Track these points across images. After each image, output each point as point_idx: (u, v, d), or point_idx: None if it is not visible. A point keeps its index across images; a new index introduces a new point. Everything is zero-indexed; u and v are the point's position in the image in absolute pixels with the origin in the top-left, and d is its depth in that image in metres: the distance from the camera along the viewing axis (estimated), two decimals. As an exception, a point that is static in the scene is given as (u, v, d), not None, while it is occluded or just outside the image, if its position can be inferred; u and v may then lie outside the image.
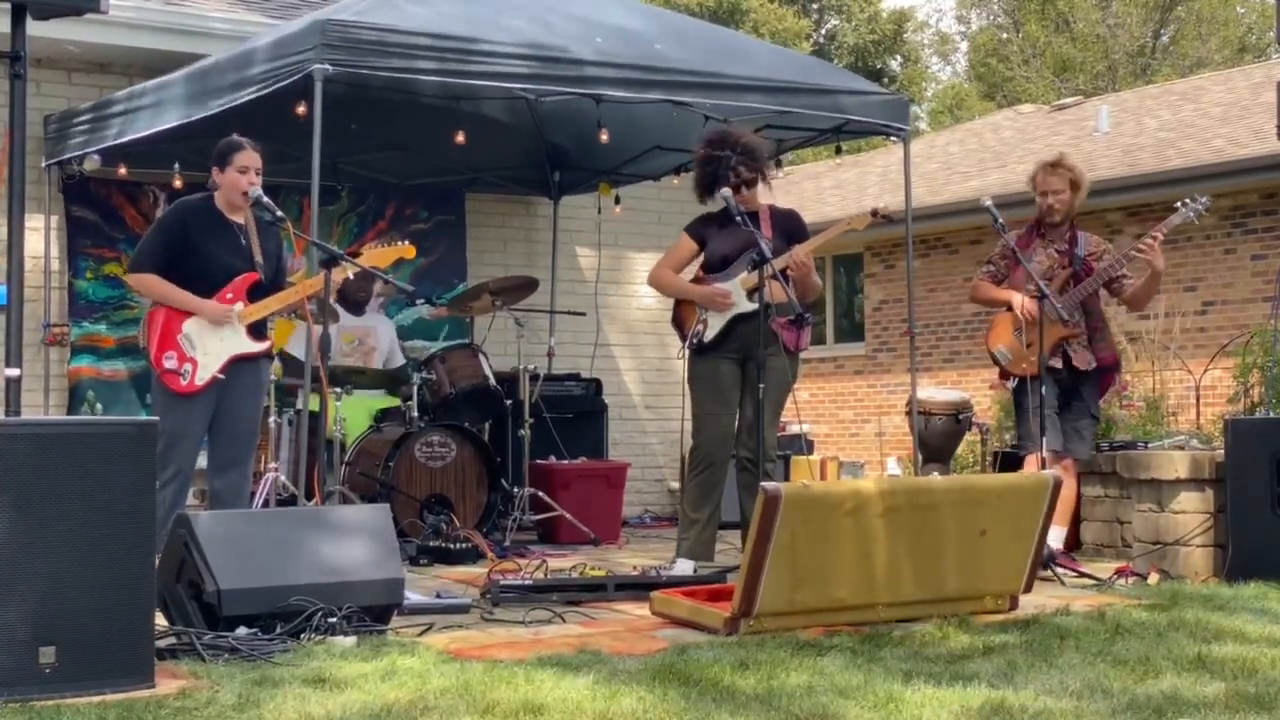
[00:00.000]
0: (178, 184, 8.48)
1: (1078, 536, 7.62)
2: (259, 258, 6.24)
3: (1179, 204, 6.95)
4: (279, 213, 6.25)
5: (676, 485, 10.15)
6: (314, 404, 6.84)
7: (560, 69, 6.95)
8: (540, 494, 8.33)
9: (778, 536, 4.85)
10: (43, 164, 8.47)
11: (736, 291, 6.56)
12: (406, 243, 6.66)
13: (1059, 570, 6.50)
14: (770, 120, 8.05)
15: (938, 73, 40.49)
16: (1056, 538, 6.83)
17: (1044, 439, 6.68)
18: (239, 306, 6.14)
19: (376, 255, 6.47)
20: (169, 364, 6.02)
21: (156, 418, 5.82)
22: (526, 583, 5.86)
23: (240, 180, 6.14)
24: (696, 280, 6.75)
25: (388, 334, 8.88)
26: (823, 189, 19.00)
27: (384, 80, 6.90)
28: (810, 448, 11.68)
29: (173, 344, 6.03)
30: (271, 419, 7.72)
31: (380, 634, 4.82)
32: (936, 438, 9.38)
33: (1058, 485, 5.55)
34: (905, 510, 5.19)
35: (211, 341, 6.08)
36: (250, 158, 6.17)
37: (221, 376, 6.08)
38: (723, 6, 32.16)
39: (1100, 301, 7.11)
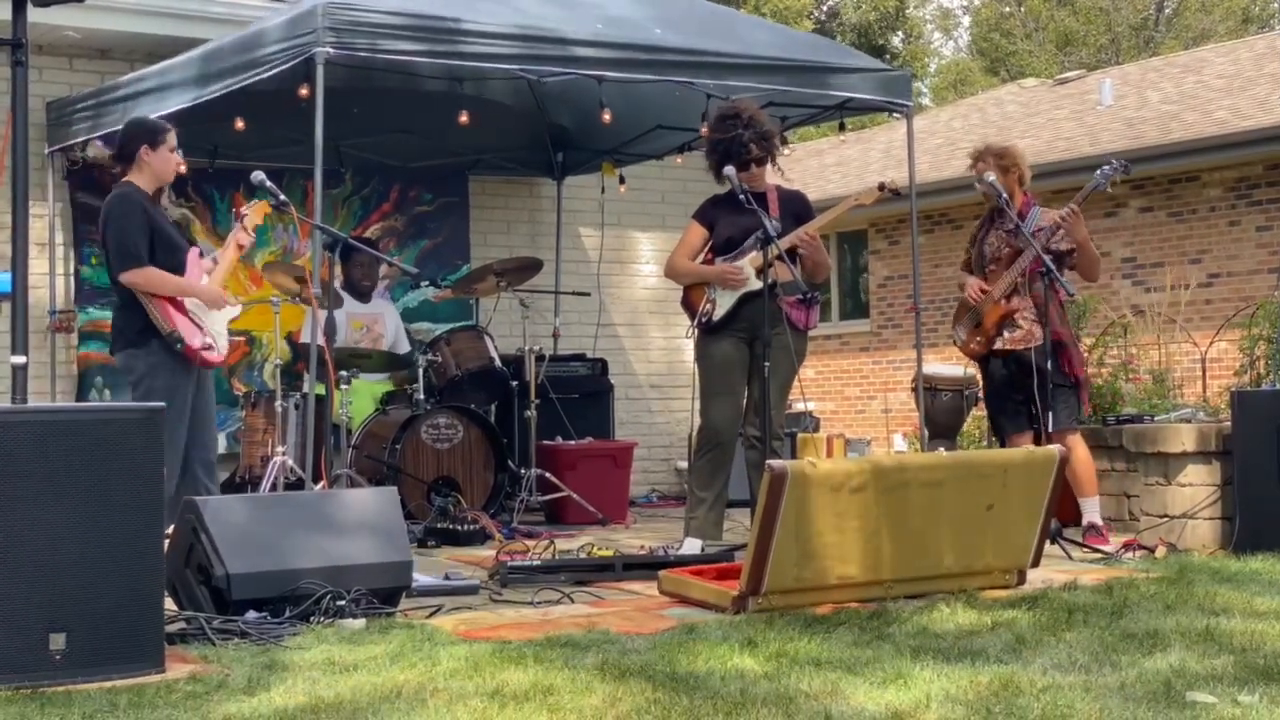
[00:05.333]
0: (181, 169, 8.44)
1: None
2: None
3: (1098, 170, 6.94)
4: (282, 196, 6.25)
5: (683, 464, 10.15)
6: (320, 388, 6.85)
7: (560, 49, 6.94)
8: (547, 475, 8.33)
9: (784, 515, 4.85)
10: (45, 151, 8.47)
11: (747, 271, 6.54)
12: (257, 201, 6.54)
13: (1095, 546, 6.55)
14: (773, 98, 8.03)
15: (940, 48, 40.40)
16: (1094, 510, 6.86)
17: (1006, 420, 6.85)
18: (205, 278, 6.24)
19: (251, 210, 6.43)
20: (197, 342, 6.06)
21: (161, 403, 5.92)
22: (534, 563, 5.87)
23: (173, 160, 6.19)
24: (706, 263, 6.74)
25: (393, 320, 8.89)
26: (825, 165, 18.97)
27: (386, 63, 6.89)
28: (816, 425, 11.69)
29: (192, 323, 6.08)
30: (278, 403, 7.73)
31: (389, 616, 4.83)
32: (943, 414, 9.38)
33: (1064, 460, 5.55)
34: (912, 486, 5.19)
35: (210, 314, 6.18)
36: (174, 138, 6.21)
37: (236, 339, 6.21)
38: (724, -16, 32.04)
39: (1044, 280, 6.92)
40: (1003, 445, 6.99)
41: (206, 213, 9.02)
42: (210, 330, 6.14)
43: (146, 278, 6.03)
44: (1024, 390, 6.89)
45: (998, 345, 6.96)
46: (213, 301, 6.15)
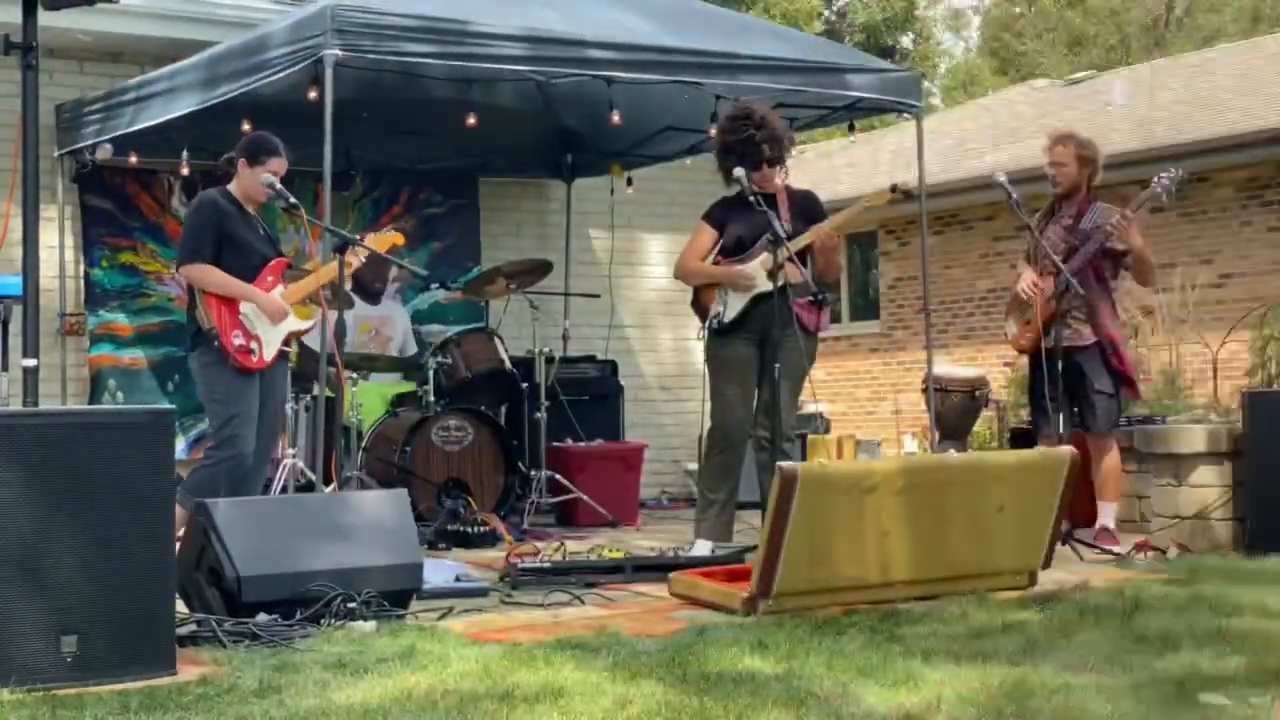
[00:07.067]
0: (184, 171, 8.48)
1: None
2: (279, 243, 6.43)
3: (1154, 179, 6.89)
4: (292, 199, 6.26)
5: (693, 466, 10.14)
6: (330, 390, 6.86)
7: (569, 51, 6.94)
8: (557, 476, 8.33)
9: (795, 516, 4.85)
10: (55, 154, 8.48)
11: (757, 272, 6.53)
12: (392, 230, 6.85)
13: (1105, 548, 6.52)
14: (782, 99, 8.02)
15: (950, 49, 40.35)
16: (1110, 515, 6.81)
17: (1058, 417, 6.68)
18: (281, 289, 6.27)
19: (374, 241, 6.54)
20: (238, 341, 6.11)
21: (220, 401, 6.08)
22: (545, 565, 5.87)
23: (260, 186, 6.22)
24: (716, 264, 6.73)
25: (403, 323, 8.90)
26: (835, 167, 18.95)
27: (395, 65, 6.89)
28: (827, 426, 11.68)
29: (237, 323, 6.13)
30: (288, 406, 7.73)
31: (399, 618, 4.83)
32: (953, 415, 9.36)
33: (1075, 461, 5.54)
34: (922, 488, 5.18)
35: (266, 319, 6.22)
36: (282, 165, 6.26)
37: (287, 349, 6.30)
38: (733, -14, 32.04)
39: (1103, 278, 6.93)
40: (1035, 444, 6.84)
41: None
42: (259, 334, 6.17)
43: (202, 273, 6.13)
44: (1068, 390, 6.82)
45: (1046, 343, 6.87)
46: (268, 310, 6.18)
